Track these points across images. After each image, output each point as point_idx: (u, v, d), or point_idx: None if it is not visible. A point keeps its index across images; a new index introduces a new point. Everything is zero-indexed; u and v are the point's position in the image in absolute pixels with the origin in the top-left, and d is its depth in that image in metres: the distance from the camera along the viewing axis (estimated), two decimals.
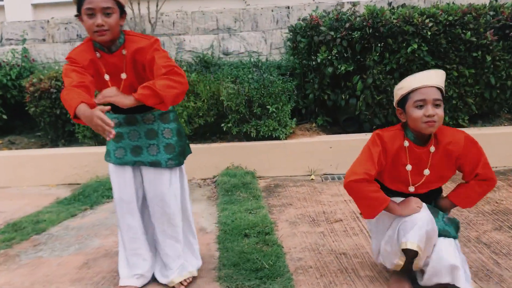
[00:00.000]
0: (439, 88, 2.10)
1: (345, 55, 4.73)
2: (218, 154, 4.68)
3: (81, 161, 4.70)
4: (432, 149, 2.18)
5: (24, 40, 6.59)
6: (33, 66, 6.42)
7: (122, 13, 2.16)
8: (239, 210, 3.57)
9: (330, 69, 4.69)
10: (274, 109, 4.57)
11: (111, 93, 2.14)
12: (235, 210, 3.58)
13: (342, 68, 4.62)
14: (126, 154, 2.37)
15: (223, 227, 3.27)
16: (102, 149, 4.59)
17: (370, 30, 4.49)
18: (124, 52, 2.19)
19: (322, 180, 4.41)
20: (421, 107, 2.07)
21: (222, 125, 4.75)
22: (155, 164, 2.35)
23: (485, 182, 2.23)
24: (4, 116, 5.35)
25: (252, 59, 6.31)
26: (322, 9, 6.64)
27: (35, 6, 7.12)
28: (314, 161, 4.65)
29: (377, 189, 2.13)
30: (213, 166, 4.68)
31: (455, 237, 2.22)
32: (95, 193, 4.16)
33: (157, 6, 5.21)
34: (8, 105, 5.82)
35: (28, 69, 6.21)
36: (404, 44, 4.45)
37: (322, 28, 4.71)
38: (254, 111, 4.62)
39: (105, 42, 2.16)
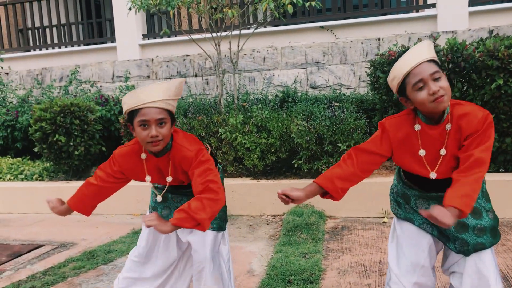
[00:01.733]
0: (431, 60, 1.87)
1: None
2: None
3: None
4: (448, 126, 1.93)
5: (127, 78, 7.26)
6: None
7: (173, 121, 2.19)
8: (293, 253, 3.51)
9: None
10: (345, 147, 4.46)
11: (151, 219, 2.07)
12: (290, 252, 3.53)
13: None
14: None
15: (270, 270, 3.24)
16: None
17: (450, 66, 4.20)
18: (169, 157, 2.26)
19: None
20: (422, 88, 1.85)
21: (293, 161, 4.74)
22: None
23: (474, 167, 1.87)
24: (104, 149, 5.91)
25: (336, 93, 6.23)
26: (415, 40, 6.37)
27: (143, 46, 7.82)
28: (388, 202, 4.41)
29: (334, 167, 2.08)
30: (283, 203, 4.66)
31: (492, 244, 2.00)
32: None
33: (238, 46, 5.41)
34: (112, 137, 6.42)
35: None
36: (488, 80, 4.08)
37: None
38: (325, 148, 4.55)
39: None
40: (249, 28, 5.75)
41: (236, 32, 5.65)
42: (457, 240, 2.02)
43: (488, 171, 4.37)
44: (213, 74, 7.19)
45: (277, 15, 5.01)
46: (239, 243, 3.95)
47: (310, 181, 4.69)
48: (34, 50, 8.99)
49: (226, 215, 2.51)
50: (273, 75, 7.01)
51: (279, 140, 4.78)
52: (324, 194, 2.09)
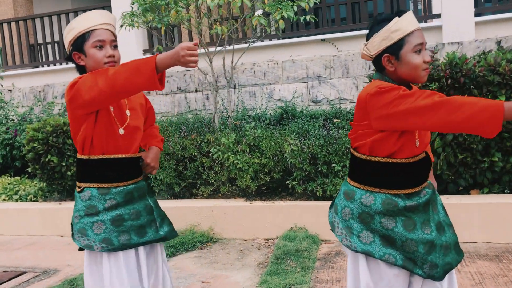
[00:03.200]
0: None
1: None
2: (282, 213, 4.46)
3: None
4: None
5: None
6: None
7: None
8: (279, 285, 3.30)
9: None
10: (340, 167, 4.25)
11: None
12: (275, 283, 3.32)
13: None
14: (131, 237, 2.16)
15: None
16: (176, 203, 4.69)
17: (449, 81, 3.97)
18: None
19: None
20: (419, 52, 1.79)
21: (287, 182, 4.55)
22: (163, 239, 2.27)
23: None
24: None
25: (335, 108, 6.03)
26: None
27: None
28: None
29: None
30: (276, 225, 4.47)
31: (458, 263, 1.92)
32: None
33: (232, 61, 5.26)
34: None
35: None
36: (490, 96, 3.84)
37: None
38: (319, 168, 4.35)
39: None
40: (246, 43, 5.60)
41: (231, 47, 5.50)
42: (425, 264, 1.82)
43: (493, 192, 4.11)
44: (220, 88, 7.05)
45: (269, 31, 4.85)
46: (225, 271, 3.77)
47: (303, 203, 4.52)
48: (43, 66, 9.01)
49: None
50: (274, 90, 6.84)
51: (272, 160, 4.59)
52: None
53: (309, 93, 6.68)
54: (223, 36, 4.97)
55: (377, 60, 1.85)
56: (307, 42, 6.88)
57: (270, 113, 6.25)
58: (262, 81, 6.92)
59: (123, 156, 2.16)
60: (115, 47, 2.12)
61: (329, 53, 6.71)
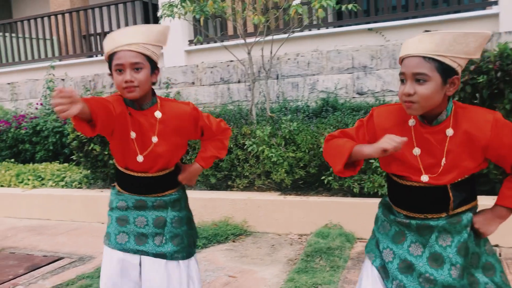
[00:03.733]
0: (428, 58, 1.54)
1: (473, 101, 3.97)
2: (317, 209, 4.34)
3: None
4: (450, 132, 1.64)
5: (167, 85, 7.24)
6: None
7: (154, 69, 2.02)
8: (305, 283, 3.21)
9: None
10: (378, 164, 4.06)
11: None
12: (302, 282, 3.23)
13: None
14: (128, 240, 2.16)
15: None
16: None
17: (499, 74, 3.68)
18: (158, 115, 2.06)
19: None
20: (402, 81, 1.60)
21: (323, 177, 4.41)
22: (159, 256, 2.15)
23: None
24: None
25: (379, 100, 5.79)
26: None
27: (188, 52, 7.78)
28: None
29: (347, 140, 1.76)
30: (311, 221, 4.36)
31: None
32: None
33: (271, 52, 5.15)
34: None
35: None
36: None
37: None
38: None
39: (135, 99, 2.04)
40: (285, 33, 5.47)
41: (270, 38, 5.39)
42: (394, 280, 1.72)
43: None
44: (256, 79, 6.97)
45: (307, 20, 4.70)
46: (253, 266, 3.71)
47: (341, 199, 4.37)
48: (96, 56, 9.28)
49: (194, 238, 2.29)
50: (317, 81, 6.67)
51: (308, 154, 4.47)
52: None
53: (354, 84, 6.46)
54: (260, 27, 4.87)
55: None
56: (353, 32, 6.65)
57: (311, 105, 6.10)
58: (305, 72, 6.76)
59: (142, 175, 2.14)
60: (138, 69, 1.93)
61: (376, 43, 6.45)
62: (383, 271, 1.75)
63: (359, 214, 4.16)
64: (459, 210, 1.68)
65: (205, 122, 2.17)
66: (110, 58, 1.99)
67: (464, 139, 1.62)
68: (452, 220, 1.67)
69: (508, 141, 1.61)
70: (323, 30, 6.82)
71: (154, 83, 2.06)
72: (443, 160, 1.64)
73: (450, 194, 1.66)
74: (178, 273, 2.17)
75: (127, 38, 1.94)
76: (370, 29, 6.50)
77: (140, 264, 2.17)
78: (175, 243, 2.16)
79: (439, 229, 1.67)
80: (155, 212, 2.17)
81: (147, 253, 2.16)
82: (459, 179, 1.67)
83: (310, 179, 4.67)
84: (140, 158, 2.09)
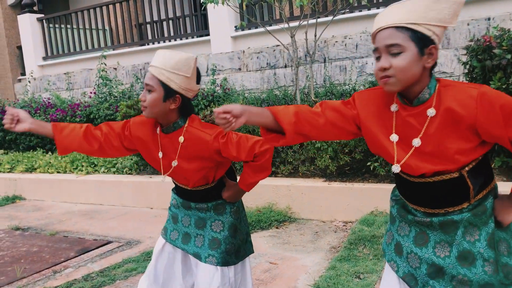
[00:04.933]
0: (401, 27, 1.44)
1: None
2: (362, 196, 4.23)
3: None
4: (431, 111, 1.49)
5: (213, 72, 7.25)
6: (228, 94, 6.97)
7: (171, 95, 2.00)
8: (347, 272, 3.14)
9: None
10: None
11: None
12: (343, 270, 3.16)
13: None
14: (178, 238, 2.25)
15: None
16: None
17: None
18: (181, 139, 2.07)
19: None
20: (378, 58, 1.48)
21: (369, 163, 4.28)
22: (196, 256, 2.18)
23: None
24: None
25: None
26: None
27: (235, 38, 7.76)
28: None
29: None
30: (356, 208, 4.26)
31: None
32: None
33: (315, 36, 5.03)
34: None
35: (222, 97, 6.76)
36: None
37: (496, 51, 3.79)
38: None
39: (150, 118, 2.11)
40: (326, 16, 5.32)
41: (314, 21, 5.26)
42: (426, 286, 1.59)
43: None
44: (302, 64, 6.85)
45: (351, 1, 4.53)
46: (295, 253, 3.68)
47: (388, 186, 4.23)
48: (148, 44, 9.45)
49: (237, 247, 2.20)
50: (366, 63, 6.46)
51: (353, 139, 4.35)
52: (270, 130, 1.68)
53: None
54: (305, 9, 4.76)
55: None
56: None
57: (359, 88, 5.92)
58: (354, 55, 6.57)
59: (183, 186, 2.21)
60: (149, 91, 1.98)
61: None
62: (412, 278, 1.62)
63: None
64: (480, 195, 1.54)
65: (230, 152, 2.02)
66: None
67: (447, 119, 1.47)
68: (477, 211, 1.53)
69: (497, 118, 1.41)
70: (371, 11, 6.58)
71: (173, 109, 2.03)
72: (416, 141, 1.50)
73: (469, 182, 1.52)
74: (215, 278, 2.14)
75: (154, 59, 2.00)
76: None
77: (182, 261, 2.28)
78: (212, 246, 2.16)
79: (464, 224, 1.53)
80: (197, 213, 2.22)
81: (188, 252, 2.22)
82: (470, 165, 1.51)
83: (356, 165, 4.56)
84: (164, 178, 2.23)
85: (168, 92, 1.98)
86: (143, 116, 2.12)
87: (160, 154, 2.14)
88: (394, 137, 1.56)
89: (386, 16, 1.47)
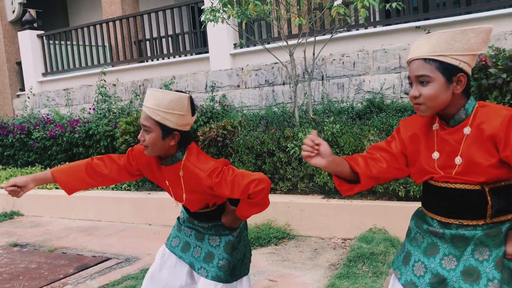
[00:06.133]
0: (428, 59, 1.55)
1: None
2: (361, 213, 4.25)
3: None
4: (467, 130, 1.59)
5: (213, 89, 7.31)
6: (227, 111, 7.01)
7: (169, 133, 2.02)
8: None
9: None
10: None
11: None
12: None
13: None
14: (178, 245, 2.32)
15: None
16: None
17: None
18: (181, 173, 2.12)
19: None
20: (411, 84, 1.63)
21: None
22: (191, 266, 2.24)
23: None
24: None
25: None
26: None
27: (234, 55, 7.84)
28: None
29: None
30: (354, 225, 4.27)
31: None
32: None
33: (313, 54, 5.10)
34: None
35: (221, 114, 6.80)
36: None
37: (492, 70, 3.86)
38: None
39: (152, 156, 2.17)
40: (323, 35, 5.40)
41: (312, 39, 5.34)
42: None
43: None
44: (301, 81, 6.93)
45: (349, 20, 4.61)
46: (295, 270, 3.68)
47: (386, 203, 4.26)
48: (147, 61, 9.53)
49: (232, 265, 2.22)
50: (363, 81, 6.53)
51: None
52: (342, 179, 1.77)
53: (401, 84, 6.28)
54: (303, 28, 4.84)
55: None
56: (400, 30, 6.46)
57: (357, 106, 5.99)
58: (351, 72, 6.65)
59: (186, 206, 2.28)
60: (147, 131, 2.00)
61: None
62: (412, 287, 1.67)
63: (404, 218, 4.00)
64: (498, 219, 1.58)
65: (223, 191, 2.02)
66: None
67: (477, 134, 1.57)
68: (491, 231, 1.57)
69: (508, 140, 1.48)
70: (368, 30, 6.68)
71: (173, 145, 2.06)
72: (457, 159, 1.59)
73: (489, 198, 1.56)
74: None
75: (146, 99, 2.02)
76: (417, 27, 6.30)
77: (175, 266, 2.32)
78: (205, 259, 2.21)
79: (475, 242, 1.58)
80: (198, 226, 2.29)
81: (184, 261, 2.27)
82: (497, 184, 1.57)
83: None
84: (176, 205, 2.33)
85: (166, 131, 2.01)
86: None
87: (167, 182, 2.20)
88: (436, 155, 1.66)
89: (417, 48, 1.58)
